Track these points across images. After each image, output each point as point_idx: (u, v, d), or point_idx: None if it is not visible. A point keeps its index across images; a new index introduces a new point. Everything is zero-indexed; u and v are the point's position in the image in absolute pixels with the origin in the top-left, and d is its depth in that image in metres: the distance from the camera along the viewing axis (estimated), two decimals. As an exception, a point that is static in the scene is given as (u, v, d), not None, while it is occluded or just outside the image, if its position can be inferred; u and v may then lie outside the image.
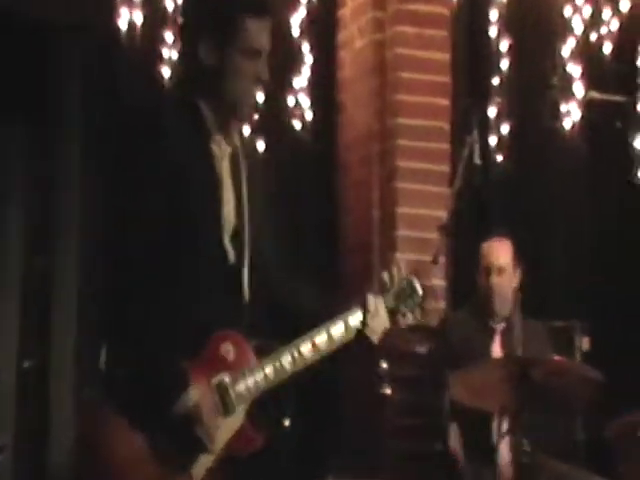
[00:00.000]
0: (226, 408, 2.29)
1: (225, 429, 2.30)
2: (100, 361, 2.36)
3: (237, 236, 2.40)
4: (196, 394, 2.25)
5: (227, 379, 2.32)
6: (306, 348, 2.39)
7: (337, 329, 2.43)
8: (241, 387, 2.32)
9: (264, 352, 2.43)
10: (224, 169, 2.42)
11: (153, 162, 2.35)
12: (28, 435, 4.28)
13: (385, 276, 2.54)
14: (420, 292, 2.56)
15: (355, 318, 2.46)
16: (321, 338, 2.40)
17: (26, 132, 4.50)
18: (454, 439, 3.99)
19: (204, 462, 2.30)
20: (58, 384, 4.27)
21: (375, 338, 2.54)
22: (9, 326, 4.43)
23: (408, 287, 2.54)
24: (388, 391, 3.93)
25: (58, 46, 4.35)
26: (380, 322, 2.51)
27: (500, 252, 4.20)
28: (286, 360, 2.38)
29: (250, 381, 2.34)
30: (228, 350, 2.36)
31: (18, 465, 4.33)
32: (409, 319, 2.57)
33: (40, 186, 4.42)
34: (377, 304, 2.50)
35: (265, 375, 2.36)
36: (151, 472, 2.28)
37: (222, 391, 2.29)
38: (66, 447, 4.12)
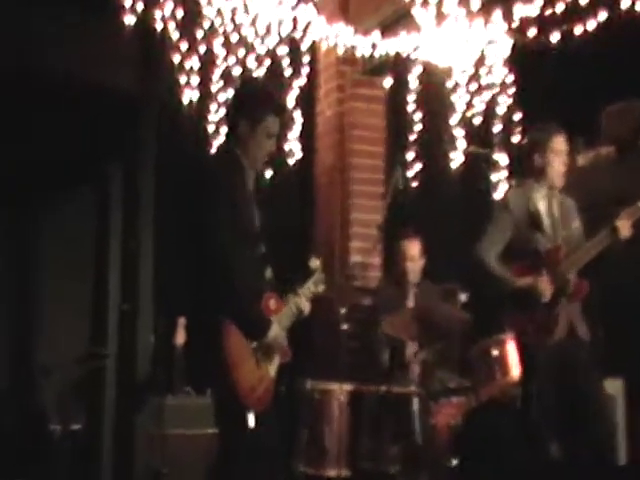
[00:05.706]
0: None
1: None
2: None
3: (260, 235, 3.10)
4: (275, 326, 3.05)
5: (277, 318, 3.09)
6: (300, 299, 3.22)
7: (307, 286, 3.27)
8: (284, 322, 3.14)
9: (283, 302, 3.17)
10: (251, 191, 3.12)
11: (222, 190, 2.96)
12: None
13: (317, 263, 3.31)
14: (322, 282, 3.32)
15: (313, 283, 3.27)
16: (304, 292, 3.26)
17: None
18: (386, 356, 4.61)
19: (276, 361, 3.15)
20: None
21: (321, 290, 3.29)
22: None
23: (320, 276, 3.33)
24: (345, 327, 4.60)
25: (139, 113, 4.82)
26: (320, 287, 3.31)
27: (412, 247, 4.91)
28: (294, 306, 3.20)
29: (285, 320, 3.15)
30: (273, 303, 3.13)
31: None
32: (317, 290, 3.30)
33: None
34: (321, 278, 3.31)
35: (289, 316, 3.14)
36: (251, 363, 3.02)
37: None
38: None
